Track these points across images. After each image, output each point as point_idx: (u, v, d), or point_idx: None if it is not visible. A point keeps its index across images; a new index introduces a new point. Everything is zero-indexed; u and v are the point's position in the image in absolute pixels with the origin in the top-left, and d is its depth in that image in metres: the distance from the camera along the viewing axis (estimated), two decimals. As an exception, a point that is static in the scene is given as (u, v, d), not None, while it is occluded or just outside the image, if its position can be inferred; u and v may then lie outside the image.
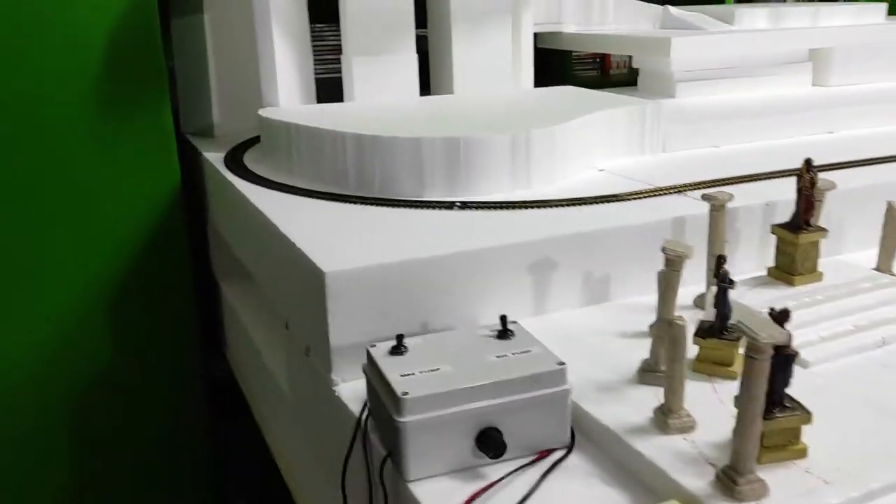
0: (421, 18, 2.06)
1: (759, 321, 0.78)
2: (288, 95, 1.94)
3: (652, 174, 1.63)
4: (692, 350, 1.04)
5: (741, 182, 1.54)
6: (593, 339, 1.19)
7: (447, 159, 1.49)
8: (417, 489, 0.91)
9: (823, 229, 1.24)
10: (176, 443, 2.19)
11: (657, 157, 1.81)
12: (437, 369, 0.95)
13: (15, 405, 1.99)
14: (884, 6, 2.69)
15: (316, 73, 2.04)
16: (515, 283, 1.25)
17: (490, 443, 0.92)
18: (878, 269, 1.35)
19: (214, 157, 1.89)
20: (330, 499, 1.20)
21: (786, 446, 0.87)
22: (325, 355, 1.16)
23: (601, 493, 0.89)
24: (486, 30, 2.05)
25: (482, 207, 1.42)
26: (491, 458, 0.92)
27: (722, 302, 1.06)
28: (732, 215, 1.32)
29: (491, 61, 2.08)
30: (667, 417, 0.93)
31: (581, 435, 0.98)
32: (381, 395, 0.96)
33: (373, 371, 1.00)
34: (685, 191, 1.48)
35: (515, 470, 0.92)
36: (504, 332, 1.03)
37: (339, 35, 1.99)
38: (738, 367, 1.06)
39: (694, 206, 1.38)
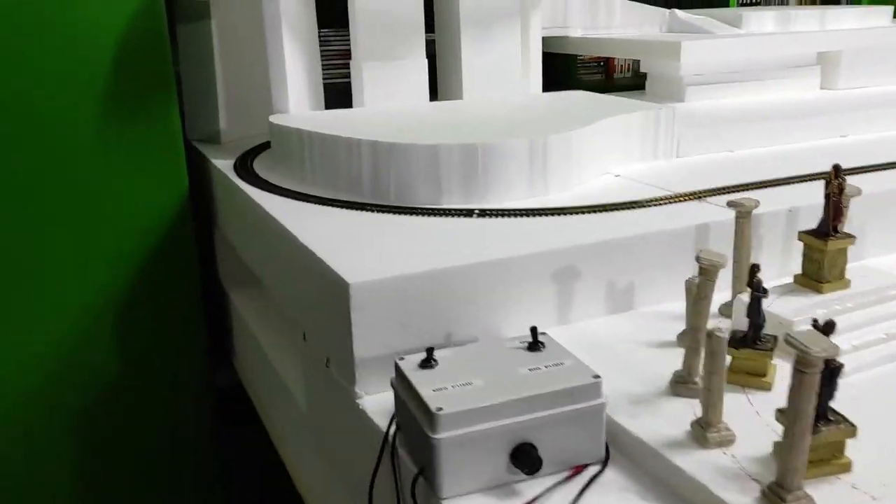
0: (427, 22, 2.03)
1: (808, 335, 0.76)
2: (298, 101, 1.92)
3: (668, 179, 1.61)
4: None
5: (761, 188, 1.52)
6: (620, 348, 1.17)
7: (464, 166, 1.46)
8: (452, 507, 0.88)
9: (851, 236, 1.22)
10: (181, 450, 2.17)
11: (671, 161, 1.80)
12: (470, 383, 0.93)
13: (22, 411, 1.97)
14: (889, 9, 2.69)
15: (322, 79, 2.02)
16: (539, 293, 1.23)
17: (525, 459, 0.90)
18: (903, 274, 1.33)
19: (223, 165, 1.86)
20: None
21: (830, 460, 0.85)
22: (348, 368, 1.14)
23: (639, 508, 0.88)
24: (495, 33, 2.03)
25: (501, 215, 1.40)
26: (526, 473, 0.90)
27: (755, 311, 1.04)
28: (756, 221, 1.30)
29: (500, 65, 2.06)
30: (705, 431, 0.91)
31: (614, 449, 0.96)
32: (413, 410, 0.94)
33: (402, 385, 0.97)
34: (706, 196, 1.47)
35: (552, 487, 0.90)
36: (535, 344, 1.01)
37: (344, 40, 1.97)
38: (771, 377, 1.04)
39: (717, 213, 1.36)
